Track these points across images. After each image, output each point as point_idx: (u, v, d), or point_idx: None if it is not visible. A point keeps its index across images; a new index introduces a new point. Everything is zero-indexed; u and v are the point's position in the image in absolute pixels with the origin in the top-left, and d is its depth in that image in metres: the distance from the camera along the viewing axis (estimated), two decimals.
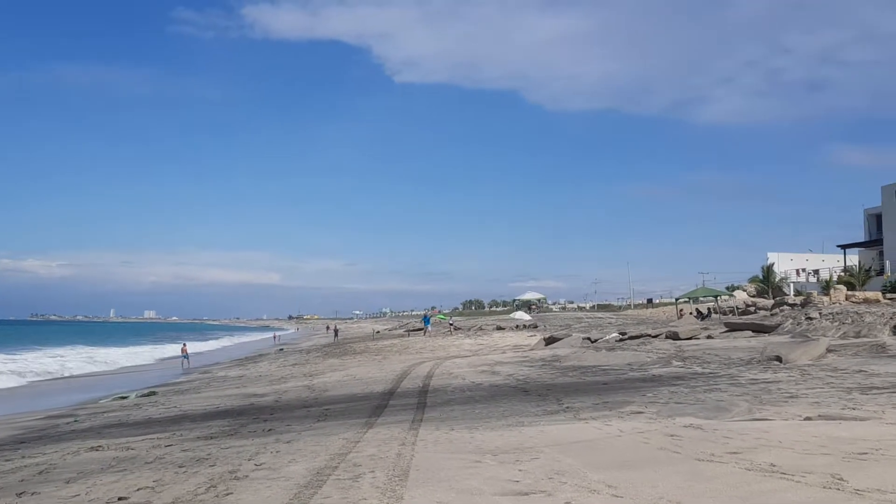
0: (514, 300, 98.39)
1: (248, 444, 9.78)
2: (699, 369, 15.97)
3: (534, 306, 79.77)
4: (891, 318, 20.56)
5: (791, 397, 10.66)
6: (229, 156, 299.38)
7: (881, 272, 46.21)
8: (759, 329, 24.55)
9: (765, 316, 40.30)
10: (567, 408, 11.11)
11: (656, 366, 17.36)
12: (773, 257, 59.04)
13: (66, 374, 36.08)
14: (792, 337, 22.04)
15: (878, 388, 11.08)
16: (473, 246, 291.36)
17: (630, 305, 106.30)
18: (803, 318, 23.86)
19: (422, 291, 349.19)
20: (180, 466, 8.32)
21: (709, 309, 50.79)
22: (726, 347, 20.37)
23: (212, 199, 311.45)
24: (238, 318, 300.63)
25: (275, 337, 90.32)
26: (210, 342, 78.40)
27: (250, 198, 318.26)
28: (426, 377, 18.71)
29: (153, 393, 22.22)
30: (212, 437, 11.02)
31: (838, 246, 53.76)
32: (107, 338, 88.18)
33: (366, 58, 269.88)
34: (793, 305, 42.41)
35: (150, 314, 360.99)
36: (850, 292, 40.22)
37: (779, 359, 16.06)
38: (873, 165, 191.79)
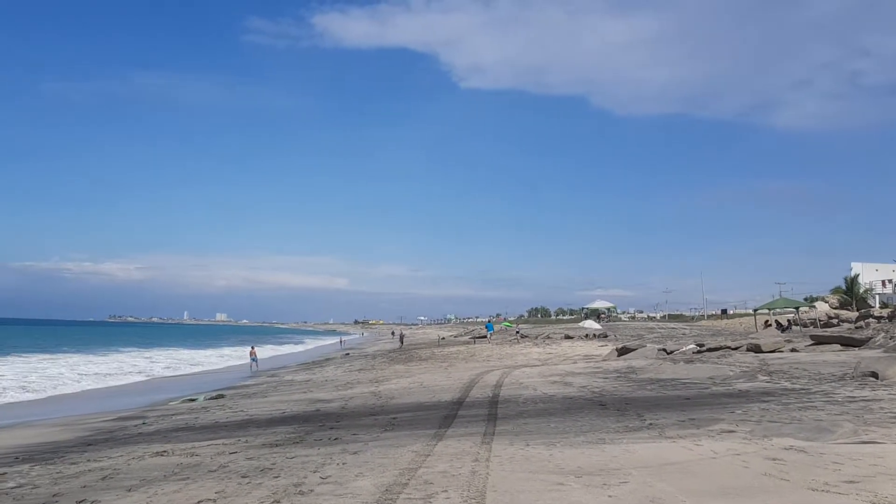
0: (583, 308, 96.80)
1: (314, 454, 9.40)
2: (788, 384, 14.94)
3: (603, 315, 78.20)
4: None
5: None
6: (300, 162, 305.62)
7: None
8: (848, 343, 23.11)
9: (852, 329, 38.34)
10: (650, 424, 10.39)
11: (741, 380, 16.37)
12: (857, 268, 56.32)
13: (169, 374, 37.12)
14: (885, 351, 20.63)
15: None
16: (539, 253, 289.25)
17: (703, 316, 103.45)
18: None
19: (487, 298, 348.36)
20: (244, 476, 7.98)
21: (788, 321, 48.74)
22: (814, 362, 19.15)
23: (282, 204, 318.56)
24: (305, 322, 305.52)
25: (341, 341, 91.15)
26: (285, 346, 79.66)
27: (320, 203, 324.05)
28: (495, 386, 18.13)
29: (221, 396, 22.27)
30: (277, 445, 10.70)
31: None
32: (191, 339, 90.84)
33: (433, 64, 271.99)
34: (880, 318, 40.42)
35: (221, 317, 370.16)
36: None
37: (875, 375, 14.90)
38: None
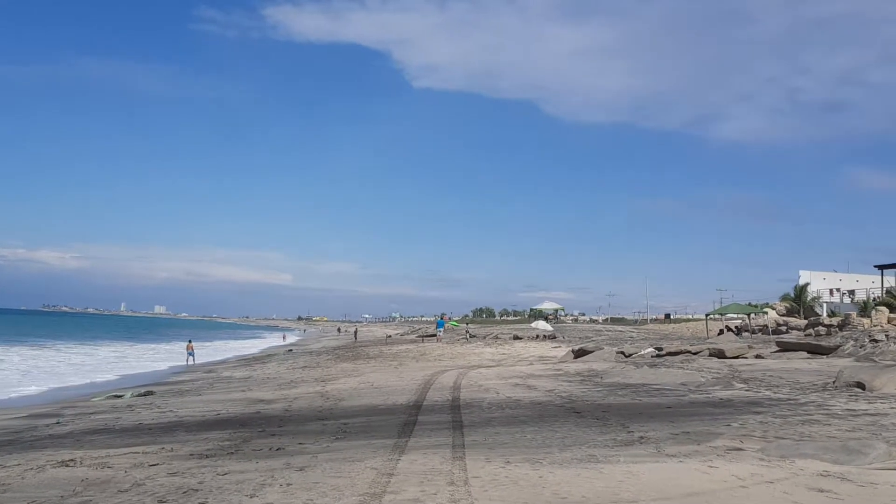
0: (532, 309, 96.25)
1: (252, 470, 7.82)
2: (770, 394, 13.89)
3: (550, 317, 77.57)
4: None
5: None
6: (247, 155, 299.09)
7: None
8: (816, 350, 22.41)
9: (801, 336, 38.13)
10: (641, 438, 9.09)
11: (716, 387, 15.29)
12: (804, 276, 56.65)
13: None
14: (856, 360, 19.92)
15: None
16: (485, 254, 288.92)
17: (647, 320, 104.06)
18: (867, 340, 21.69)
19: (432, 298, 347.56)
20: (161, 502, 6.37)
21: (737, 327, 48.56)
22: (787, 369, 18.26)
23: (228, 197, 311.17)
24: (247, 317, 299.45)
25: (283, 337, 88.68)
26: (225, 341, 76.80)
27: (266, 197, 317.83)
28: (453, 388, 16.71)
29: (150, 393, 20.32)
30: (208, 455, 9.08)
31: (876, 266, 51.29)
32: (128, 332, 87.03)
33: (386, 62, 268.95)
34: (829, 326, 40.30)
35: (160, 309, 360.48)
36: (892, 315, 38.03)
37: (860, 385, 13.95)
38: (890, 189, 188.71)
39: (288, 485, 6.83)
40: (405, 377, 20.98)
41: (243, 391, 19.43)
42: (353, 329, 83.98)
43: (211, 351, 53.69)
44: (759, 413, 11.17)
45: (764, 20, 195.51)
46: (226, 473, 7.69)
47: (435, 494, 6.00)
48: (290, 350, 51.11)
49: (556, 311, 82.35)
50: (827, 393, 13.68)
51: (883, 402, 12.03)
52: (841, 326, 37.85)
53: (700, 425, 10.08)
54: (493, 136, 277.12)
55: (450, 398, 14.77)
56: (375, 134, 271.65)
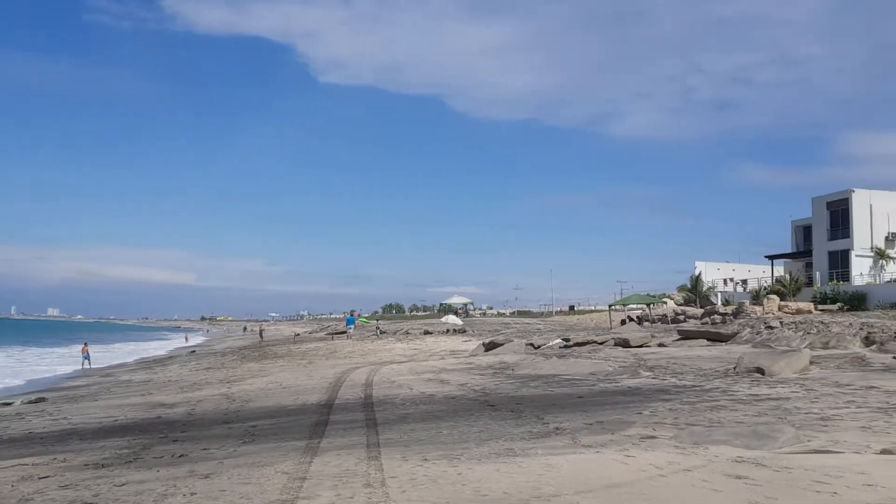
0: (441, 304, 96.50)
1: (152, 479, 7.33)
2: (676, 381, 14.25)
3: (460, 311, 77.94)
4: (860, 329, 19.46)
5: (823, 420, 8.92)
6: (146, 150, 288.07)
7: (810, 283, 46.33)
8: (715, 338, 23.25)
9: (698, 324, 39.71)
10: (557, 429, 9.08)
11: (624, 376, 15.59)
12: (700, 266, 58.95)
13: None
14: (753, 346, 20.77)
15: None
16: (394, 250, 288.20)
17: (552, 312, 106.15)
18: (763, 326, 22.63)
19: (341, 295, 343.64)
20: None
21: (638, 317, 50.06)
22: (690, 357, 18.84)
23: (124, 194, 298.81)
24: (147, 318, 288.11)
25: (186, 338, 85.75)
26: (123, 343, 73.49)
27: (166, 194, 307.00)
28: (366, 386, 16.41)
29: (42, 399, 19.08)
30: (104, 465, 8.47)
31: (766, 257, 53.99)
32: (23, 336, 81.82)
33: (290, 56, 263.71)
34: (724, 315, 42.06)
35: (53, 312, 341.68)
36: (782, 303, 40.04)
37: (760, 371, 14.51)
38: (775, 183, 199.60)
39: (192, 494, 6.41)
40: (315, 376, 20.50)
41: (143, 395, 18.50)
42: (259, 328, 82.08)
43: (109, 354, 51.21)
44: (667, 400, 11.40)
45: (662, 20, 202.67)
46: (123, 484, 7.17)
47: (351, 498, 5.73)
48: (193, 351, 49.38)
49: (466, 305, 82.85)
50: (730, 379, 14.14)
51: (783, 386, 12.51)
52: (735, 314, 39.61)
53: (613, 414, 10.17)
54: (401, 132, 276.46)
55: (362, 395, 14.47)
56: (281, 129, 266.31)
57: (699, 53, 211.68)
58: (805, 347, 19.36)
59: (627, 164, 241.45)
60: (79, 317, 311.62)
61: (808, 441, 7.42)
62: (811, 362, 15.27)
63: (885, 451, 6.63)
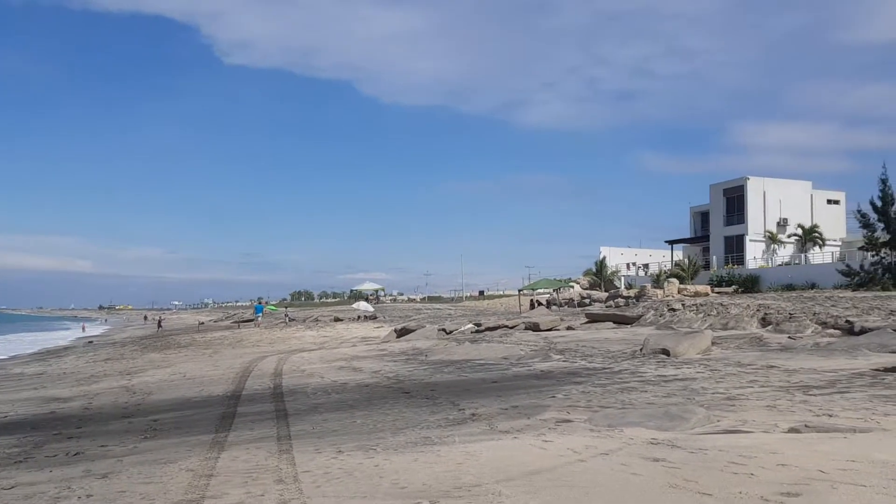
0: (352, 290, 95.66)
1: (44, 481, 6.80)
2: (586, 364, 14.47)
3: (371, 297, 77.40)
4: (757, 311, 20.31)
5: (730, 399, 9.16)
6: (39, 132, 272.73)
7: (707, 267, 48.27)
8: (621, 320, 23.83)
9: (603, 307, 40.83)
10: (473, 415, 8.99)
11: (536, 359, 15.72)
12: (604, 251, 60.51)
13: None
14: (657, 328, 21.38)
15: (816, 386, 9.89)
16: (301, 237, 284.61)
17: (462, 297, 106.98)
18: (665, 309, 23.34)
19: (247, 282, 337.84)
20: None
21: (547, 301, 50.96)
22: (598, 339, 19.22)
23: (15, 179, 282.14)
24: (41, 308, 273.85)
25: (83, 328, 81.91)
26: (17, 334, 69.36)
27: (60, 179, 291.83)
28: (274, 375, 15.95)
29: None
30: None
31: (666, 242, 55.90)
32: None
33: (194, 36, 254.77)
34: (627, 298, 43.30)
35: None
36: (681, 286, 41.55)
37: (665, 352, 14.92)
38: (674, 171, 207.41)
39: (88, 496, 5.95)
40: (221, 366, 19.83)
41: (35, 389, 17.41)
42: (158, 317, 79.02)
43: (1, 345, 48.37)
44: (579, 383, 11.52)
45: (567, 12, 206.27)
46: (12, 487, 6.62)
47: (262, 496, 5.43)
48: (91, 342, 47.12)
49: (377, 291, 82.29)
50: (637, 360, 14.46)
51: (688, 367, 12.86)
52: (638, 297, 40.84)
53: (527, 398, 10.17)
54: (310, 116, 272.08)
55: (271, 385, 14.04)
56: (183, 111, 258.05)
57: (601, 45, 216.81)
58: (706, 329, 20.08)
59: (534, 152, 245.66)
60: None
61: (718, 421, 7.58)
62: (713, 343, 15.80)
63: (792, 430, 6.82)
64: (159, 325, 63.65)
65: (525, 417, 8.63)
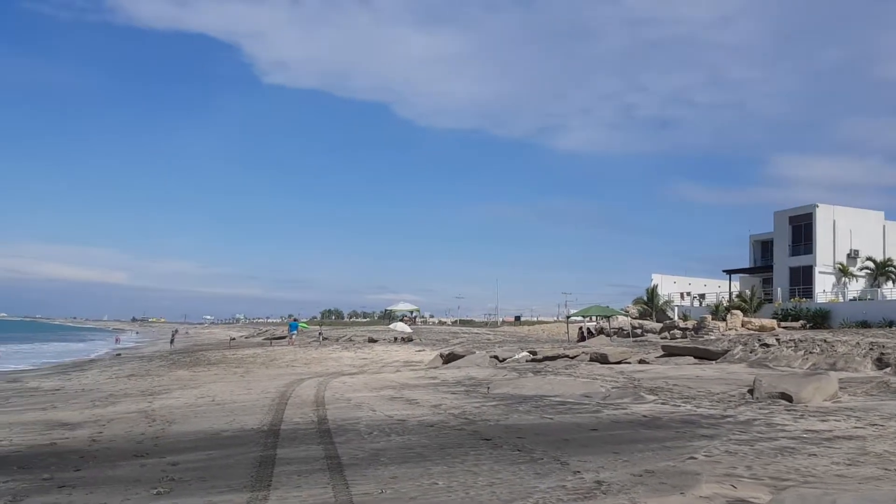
0: (385, 310, 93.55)
1: None
2: (693, 408, 11.94)
3: (405, 318, 75.06)
4: (870, 349, 17.56)
5: None
6: (80, 145, 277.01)
7: (769, 299, 45.26)
8: (704, 355, 21.17)
9: (657, 338, 38.13)
10: (598, 483, 6.58)
11: (625, 399, 13.23)
12: (656, 279, 57.60)
13: None
14: (748, 366, 18.74)
15: None
16: (333, 256, 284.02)
17: (498, 322, 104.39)
18: (757, 344, 20.62)
19: (278, 299, 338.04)
20: None
21: (594, 330, 48.21)
22: (687, 377, 16.63)
23: (55, 190, 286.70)
24: (76, 318, 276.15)
25: (117, 340, 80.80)
26: (46, 344, 68.38)
27: (99, 191, 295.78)
28: (316, 404, 13.67)
29: None
30: None
31: (724, 271, 52.88)
32: None
33: (235, 55, 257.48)
34: (684, 329, 40.51)
35: None
36: (745, 318, 38.70)
37: (786, 397, 12.32)
38: (711, 201, 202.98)
39: None
40: (254, 388, 17.62)
41: (44, 409, 15.31)
42: (173, 330, 75.28)
43: (23, 355, 46.98)
44: (710, 437, 9.03)
45: (606, 39, 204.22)
46: None
47: None
48: (119, 354, 45.44)
49: (413, 312, 79.87)
50: (756, 406, 11.90)
51: (835, 419, 10.29)
52: (697, 329, 38.03)
53: (655, 458, 7.73)
54: (345, 137, 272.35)
55: (315, 419, 11.73)
56: (222, 128, 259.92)
57: (640, 72, 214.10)
58: (808, 368, 17.43)
59: (569, 178, 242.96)
60: (2, 314, 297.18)
61: None
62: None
63: None
64: (172, 341, 59.09)
65: (676, 491, 6.22)
